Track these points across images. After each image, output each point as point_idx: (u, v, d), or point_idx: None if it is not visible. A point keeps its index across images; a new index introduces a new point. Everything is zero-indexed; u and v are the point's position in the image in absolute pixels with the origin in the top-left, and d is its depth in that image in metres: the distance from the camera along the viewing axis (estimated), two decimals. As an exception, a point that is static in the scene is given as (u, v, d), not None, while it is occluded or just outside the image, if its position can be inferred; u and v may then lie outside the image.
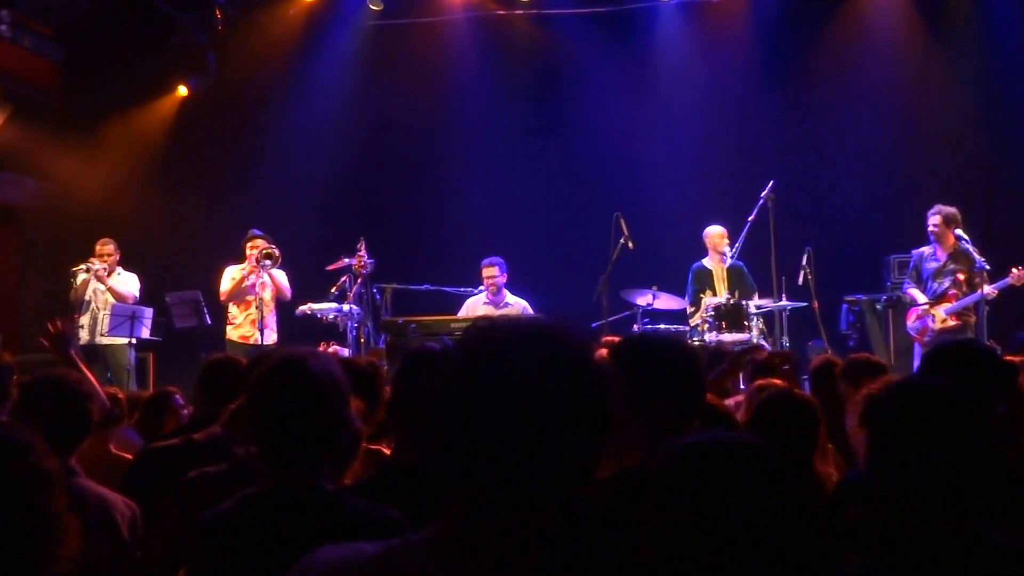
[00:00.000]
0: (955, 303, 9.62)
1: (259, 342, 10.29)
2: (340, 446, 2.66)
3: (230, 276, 10.63)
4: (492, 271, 10.44)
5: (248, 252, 10.56)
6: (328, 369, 2.62)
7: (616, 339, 5.96)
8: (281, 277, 10.63)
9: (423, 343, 3.29)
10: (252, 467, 3.01)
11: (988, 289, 9.42)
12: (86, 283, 10.76)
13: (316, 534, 2.43)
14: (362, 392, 3.71)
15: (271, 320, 10.66)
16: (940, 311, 9.67)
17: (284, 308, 10.73)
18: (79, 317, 10.62)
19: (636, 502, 2.61)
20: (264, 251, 10.34)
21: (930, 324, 9.71)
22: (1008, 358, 4.63)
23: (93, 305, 10.80)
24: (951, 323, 9.61)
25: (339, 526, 2.49)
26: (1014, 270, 9.41)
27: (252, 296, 10.48)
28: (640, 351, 2.92)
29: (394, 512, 2.54)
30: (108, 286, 10.78)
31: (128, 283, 10.98)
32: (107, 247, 10.94)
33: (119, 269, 11.02)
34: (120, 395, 5.23)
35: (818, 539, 1.83)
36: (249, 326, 10.53)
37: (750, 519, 1.81)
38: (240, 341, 10.42)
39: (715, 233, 10.57)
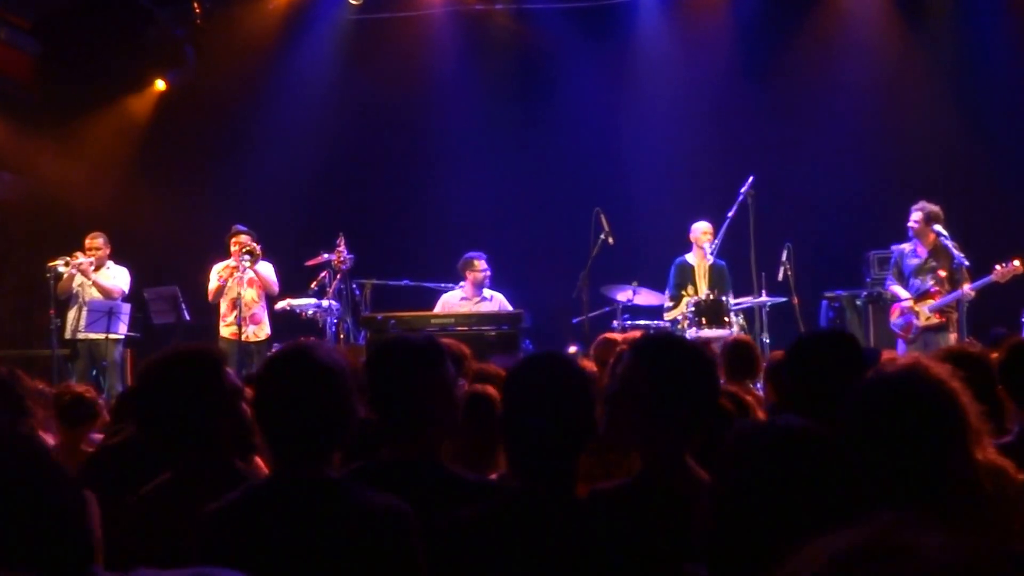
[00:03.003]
0: (939, 300, 9.65)
1: (245, 339, 10.30)
2: (347, 435, 2.68)
3: (215, 275, 10.61)
4: (483, 264, 10.40)
5: (232, 248, 10.53)
6: (334, 359, 2.64)
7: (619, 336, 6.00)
8: (266, 271, 10.58)
9: (394, 334, 3.31)
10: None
11: (966, 289, 9.46)
12: (72, 277, 10.69)
13: (325, 523, 2.52)
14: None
15: (261, 315, 10.64)
16: (924, 308, 9.70)
17: (273, 302, 10.70)
18: (54, 312, 10.55)
19: (652, 508, 2.63)
20: (244, 248, 10.31)
21: (914, 321, 9.74)
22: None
23: (81, 299, 10.74)
24: (935, 320, 9.65)
25: (348, 515, 2.53)
26: (997, 267, 9.45)
27: (235, 294, 10.47)
28: (663, 349, 2.94)
29: (403, 503, 2.57)
30: (93, 280, 10.71)
31: (117, 277, 10.91)
32: (96, 240, 10.87)
33: (109, 263, 10.95)
34: (93, 393, 5.13)
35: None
36: (239, 323, 10.51)
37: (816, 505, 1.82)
38: (231, 338, 10.45)
39: (700, 229, 10.57)
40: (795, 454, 1.89)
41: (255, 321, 10.52)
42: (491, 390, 3.67)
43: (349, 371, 2.67)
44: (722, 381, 5.90)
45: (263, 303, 10.68)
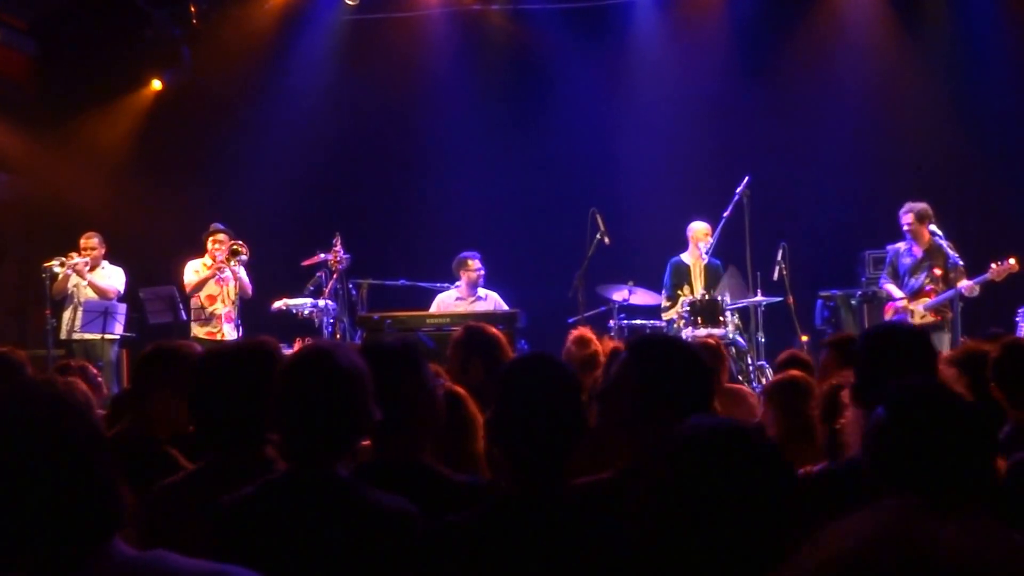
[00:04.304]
0: (934, 299, 9.69)
1: (220, 337, 10.29)
2: (361, 437, 2.77)
3: (193, 270, 10.59)
4: (477, 264, 10.44)
5: (210, 246, 10.52)
6: (353, 360, 2.70)
7: (583, 332, 6.00)
8: (243, 274, 10.59)
9: (390, 337, 3.32)
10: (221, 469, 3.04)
11: (969, 284, 9.50)
12: (67, 278, 10.70)
13: (336, 521, 2.57)
14: None
15: (234, 315, 10.62)
16: (919, 307, 9.74)
17: (248, 304, 10.69)
18: (50, 312, 10.56)
19: (634, 500, 2.64)
20: (232, 248, 10.31)
21: (908, 319, 9.77)
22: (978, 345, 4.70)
23: (76, 300, 10.74)
24: (929, 319, 9.68)
25: (359, 514, 2.59)
26: (993, 265, 9.48)
27: (218, 292, 10.46)
28: (657, 349, 2.97)
29: (411, 504, 2.63)
30: (88, 280, 10.72)
31: (112, 277, 10.92)
32: (91, 241, 10.88)
33: (104, 263, 10.97)
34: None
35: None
36: (215, 322, 10.50)
37: (746, 504, 1.81)
38: (206, 337, 10.36)
39: (699, 229, 10.58)
40: (733, 454, 1.89)
41: (228, 320, 10.51)
42: (460, 390, 3.71)
43: (368, 374, 2.73)
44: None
45: (237, 304, 10.66)
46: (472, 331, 4.88)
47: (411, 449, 3.01)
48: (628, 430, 2.88)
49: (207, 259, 10.53)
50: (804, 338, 10.41)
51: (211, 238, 10.52)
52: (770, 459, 1.88)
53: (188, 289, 10.59)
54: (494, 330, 4.92)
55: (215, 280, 10.49)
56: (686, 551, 1.81)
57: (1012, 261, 9.45)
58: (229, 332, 10.40)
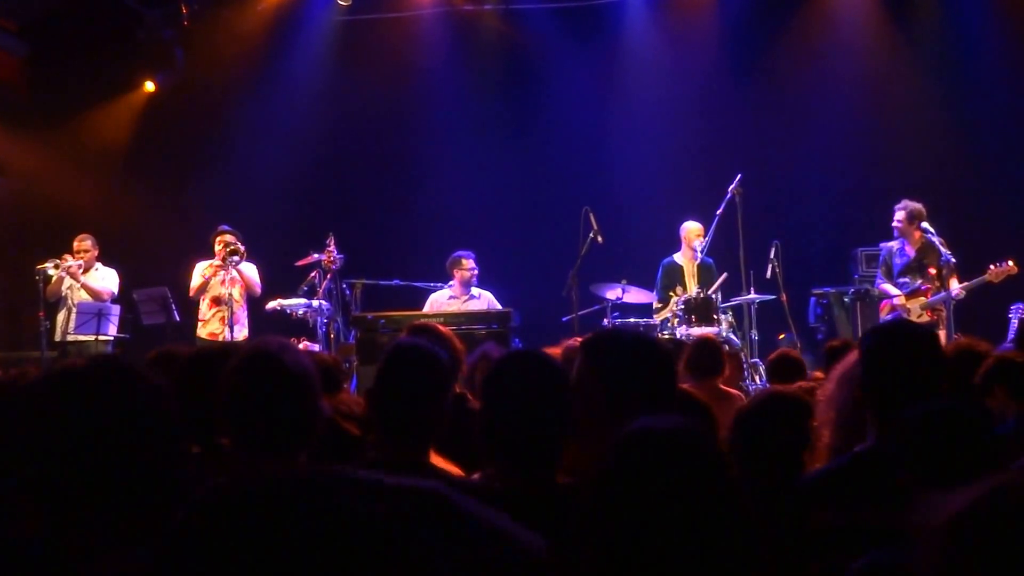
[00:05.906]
0: (930, 298, 9.70)
1: (228, 339, 10.26)
2: (313, 437, 2.71)
3: (199, 272, 10.59)
4: (471, 263, 10.45)
5: (217, 248, 10.53)
6: (300, 361, 2.68)
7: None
8: (250, 272, 10.57)
9: (412, 338, 3.31)
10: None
11: (957, 289, 9.50)
12: (60, 280, 10.69)
13: (289, 522, 2.50)
14: None
15: (242, 316, 10.62)
16: (915, 306, 9.75)
17: (254, 303, 10.69)
18: (43, 314, 10.56)
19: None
20: (230, 248, 10.31)
21: (905, 318, 9.78)
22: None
23: (69, 301, 10.74)
24: (925, 318, 9.69)
25: (312, 514, 2.52)
26: (991, 267, 9.47)
27: (219, 293, 10.46)
28: (611, 346, 2.94)
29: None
30: (81, 283, 10.72)
31: (106, 279, 10.92)
32: (84, 243, 10.87)
33: (97, 265, 10.96)
34: None
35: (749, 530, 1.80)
36: (218, 323, 10.50)
37: (682, 504, 1.78)
38: (209, 339, 10.36)
39: (692, 229, 10.59)
40: (673, 456, 1.87)
41: (236, 321, 10.52)
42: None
43: (315, 374, 2.72)
44: None
45: (244, 304, 10.67)
46: (415, 331, 4.80)
47: (417, 449, 2.99)
48: (594, 428, 2.87)
49: (216, 260, 10.53)
50: (781, 336, 10.45)
51: (218, 239, 10.52)
52: (708, 463, 1.85)
53: (192, 293, 10.60)
54: (442, 328, 4.87)
55: (219, 281, 10.47)
56: (627, 556, 1.79)
57: (1011, 263, 9.43)
58: (232, 333, 10.40)
